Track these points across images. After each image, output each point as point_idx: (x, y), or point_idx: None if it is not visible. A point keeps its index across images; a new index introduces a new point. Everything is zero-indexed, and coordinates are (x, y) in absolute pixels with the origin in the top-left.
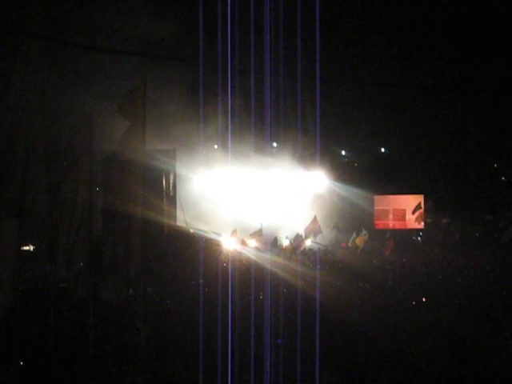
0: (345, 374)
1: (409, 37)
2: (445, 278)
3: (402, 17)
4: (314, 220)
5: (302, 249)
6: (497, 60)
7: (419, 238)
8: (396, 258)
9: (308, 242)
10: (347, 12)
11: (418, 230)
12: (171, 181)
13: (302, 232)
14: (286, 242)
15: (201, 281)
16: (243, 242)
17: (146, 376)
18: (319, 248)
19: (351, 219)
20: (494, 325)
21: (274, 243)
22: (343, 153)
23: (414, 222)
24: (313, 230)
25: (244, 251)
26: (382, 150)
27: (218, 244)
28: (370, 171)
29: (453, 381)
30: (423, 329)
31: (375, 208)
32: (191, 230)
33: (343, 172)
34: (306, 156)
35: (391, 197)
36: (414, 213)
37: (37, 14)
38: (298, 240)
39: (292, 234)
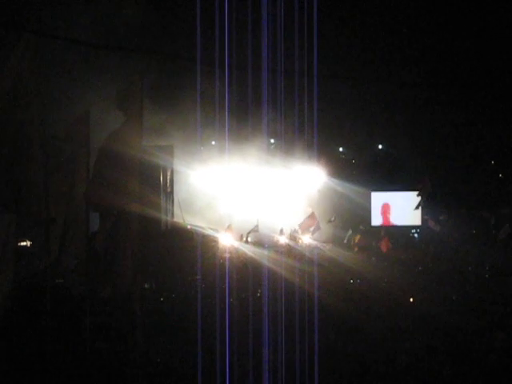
0: (343, 369)
1: (409, 34)
2: (441, 275)
3: (402, 13)
4: (312, 216)
5: (299, 245)
6: (496, 57)
7: (416, 235)
8: (394, 254)
9: (306, 239)
10: (346, 8)
11: (414, 227)
12: (168, 177)
13: (297, 228)
14: (282, 239)
15: (198, 277)
16: (241, 238)
17: (143, 373)
18: (317, 244)
19: (348, 215)
20: (491, 322)
21: (280, 233)
22: (341, 149)
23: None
24: (310, 226)
25: (241, 247)
26: (380, 146)
27: (215, 240)
28: (367, 168)
29: (449, 378)
30: (420, 326)
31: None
32: (188, 226)
33: (341, 168)
34: (303, 153)
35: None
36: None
37: (30, 10)
38: (294, 236)
39: (288, 230)
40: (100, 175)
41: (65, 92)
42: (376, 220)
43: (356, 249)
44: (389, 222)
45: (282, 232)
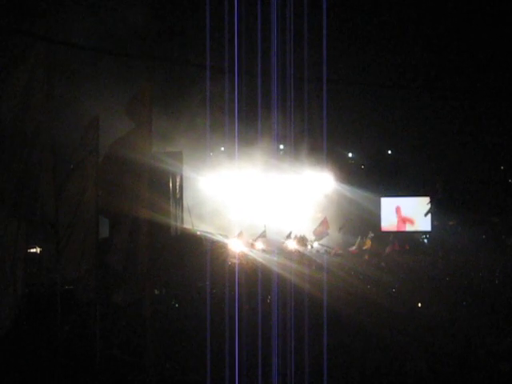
0: (352, 375)
1: (416, 39)
2: (452, 281)
3: (411, 19)
4: (324, 222)
5: (308, 250)
6: (503, 61)
7: (425, 240)
8: (404, 260)
9: (315, 245)
10: (355, 14)
11: (424, 232)
12: (178, 183)
13: (307, 234)
14: (291, 245)
15: (208, 283)
16: (251, 245)
17: (153, 379)
18: (326, 250)
19: (358, 221)
20: (502, 328)
21: (288, 236)
22: (350, 155)
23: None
24: (321, 232)
25: (251, 253)
26: (389, 152)
27: (224, 246)
28: (377, 173)
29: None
30: (431, 331)
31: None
32: (198, 232)
33: (350, 174)
34: (312, 158)
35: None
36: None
37: (38, 17)
38: (302, 242)
39: (297, 235)
40: (110, 182)
41: (74, 98)
42: (388, 223)
43: (367, 256)
44: (404, 222)
45: (289, 236)
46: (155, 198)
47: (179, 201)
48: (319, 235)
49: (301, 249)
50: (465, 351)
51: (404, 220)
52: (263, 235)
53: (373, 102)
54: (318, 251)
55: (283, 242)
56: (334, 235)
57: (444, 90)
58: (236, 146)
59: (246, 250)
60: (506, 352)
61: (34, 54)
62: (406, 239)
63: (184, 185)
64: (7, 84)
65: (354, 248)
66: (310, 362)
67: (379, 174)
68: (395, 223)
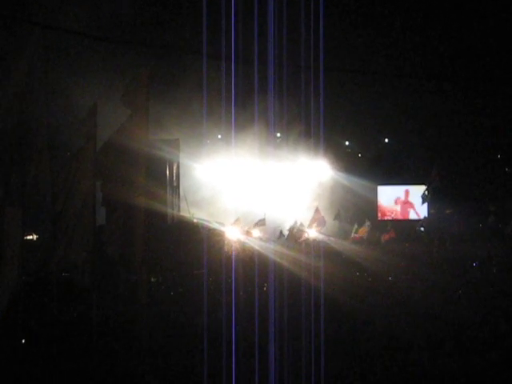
0: (349, 363)
1: (414, 27)
2: (448, 269)
3: (408, 6)
4: (317, 211)
5: (304, 239)
6: (501, 50)
7: (422, 229)
8: (398, 248)
9: (313, 233)
10: (353, 1)
11: (420, 221)
12: (175, 171)
13: (302, 222)
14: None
15: (204, 270)
16: (247, 232)
17: (149, 365)
18: (323, 238)
19: (354, 210)
20: (496, 315)
21: (279, 235)
22: (347, 143)
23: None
24: (316, 221)
25: (247, 241)
26: (386, 140)
27: (221, 234)
28: (373, 162)
29: (455, 371)
30: (425, 319)
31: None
32: (194, 220)
33: (347, 162)
34: (309, 146)
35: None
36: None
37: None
38: (298, 230)
39: (293, 224)
40: (107, 169)
41: (71, 86)
42: (387, 211)
43: (365, 244)
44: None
45: (281, 233)
46: (152, 185)
47: (176, 189)
48: (316, 224)
49: (296, 236)
50: (462, 340)
51: (406, 206)
52: (262, 223)
53: (370, 91)
54: (314, 239)
55: (278, 238)
56: (330, 223)
57: (440, 79)
58: (233, 134)
59: (242, 237)
60: (502, 340)
61: (33, 43)
62: (404, 227)
63: (181, 172)
64: (6, 74)
65: (352, 235)
66: (307, 350)
67: (376, 162)
68: (395, 210)
